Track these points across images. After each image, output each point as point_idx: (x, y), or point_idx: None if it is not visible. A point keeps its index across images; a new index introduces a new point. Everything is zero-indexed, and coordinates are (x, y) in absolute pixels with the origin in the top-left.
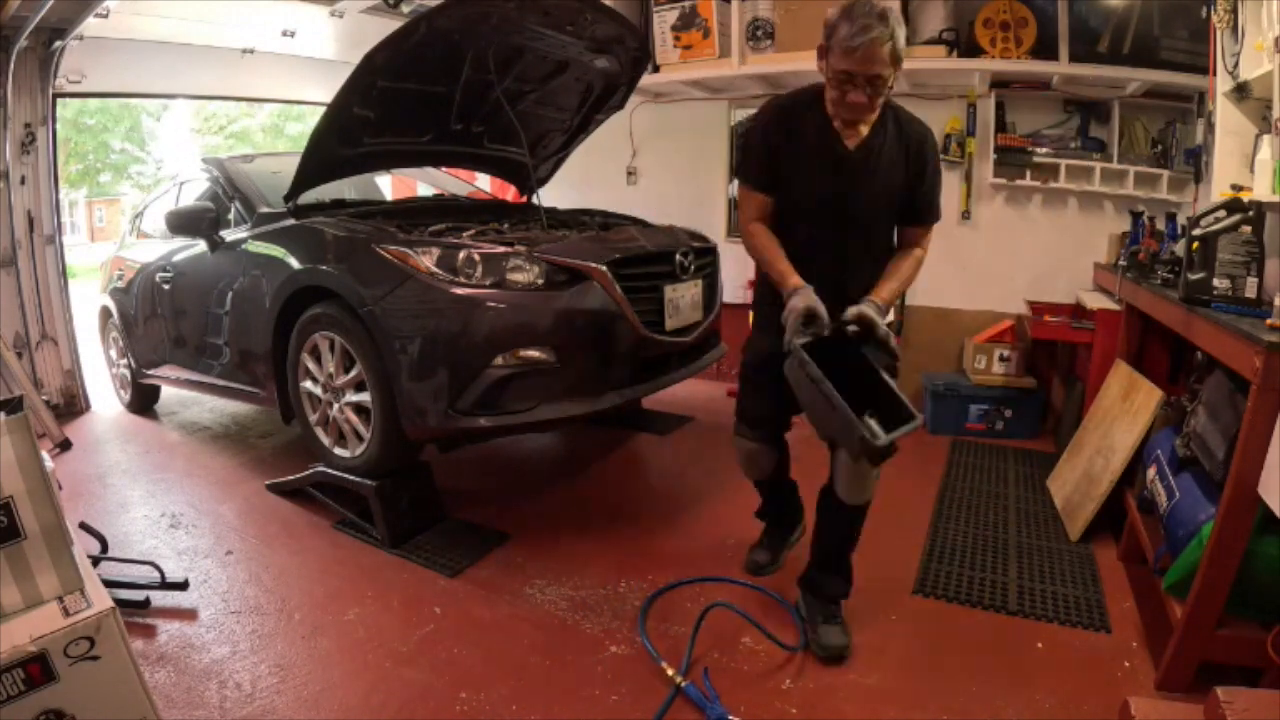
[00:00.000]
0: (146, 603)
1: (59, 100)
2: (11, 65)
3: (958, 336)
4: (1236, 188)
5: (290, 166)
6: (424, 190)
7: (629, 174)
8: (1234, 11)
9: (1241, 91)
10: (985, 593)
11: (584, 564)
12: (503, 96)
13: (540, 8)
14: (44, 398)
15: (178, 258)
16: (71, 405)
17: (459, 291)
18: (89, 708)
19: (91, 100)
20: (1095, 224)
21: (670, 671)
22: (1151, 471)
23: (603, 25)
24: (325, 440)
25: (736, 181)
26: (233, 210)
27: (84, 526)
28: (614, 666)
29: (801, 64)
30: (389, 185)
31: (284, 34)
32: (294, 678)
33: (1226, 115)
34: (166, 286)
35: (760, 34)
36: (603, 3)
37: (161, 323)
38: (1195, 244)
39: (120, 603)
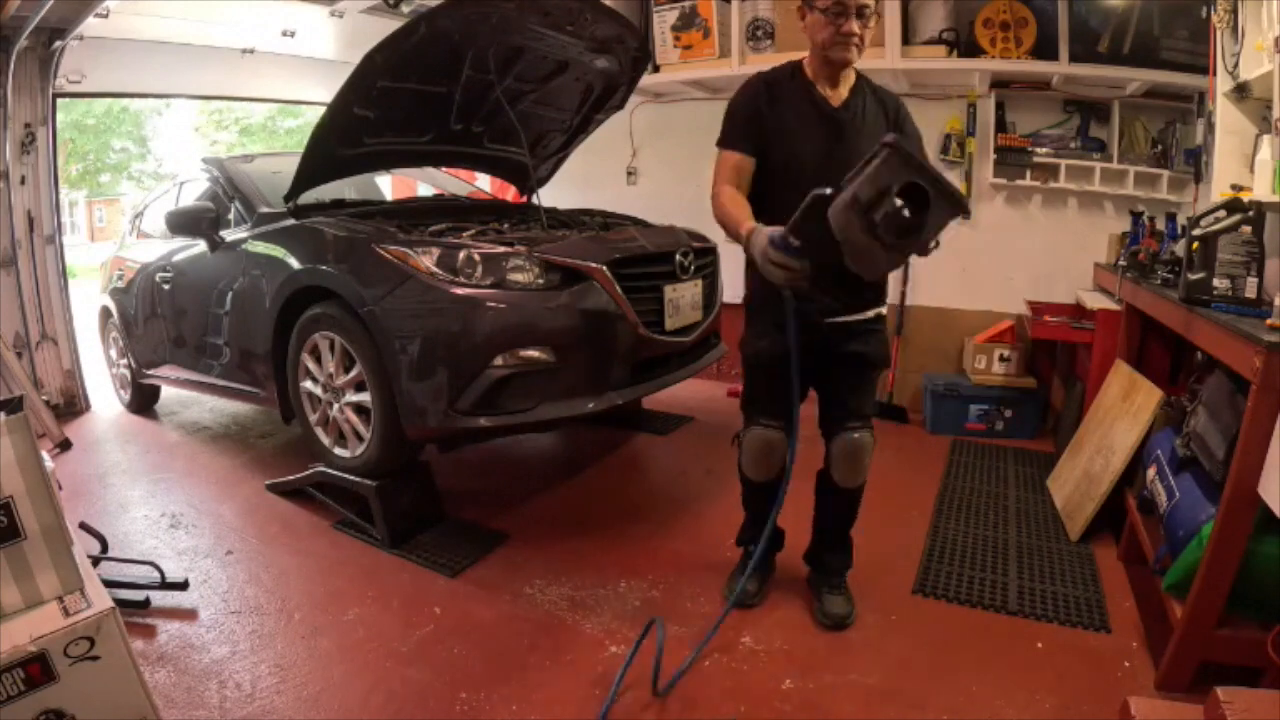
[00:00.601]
0: (146, 603)
1: (59, 100)
2: (11, 65)
3: (958, 336)
4: (1236, 188)
5: (290, 166)
6: (424, 190)
7: (629, 174)
8: (1234, 11)
9: (1241, 91)
10: (985, 593)
11: (584, 564)
12: (503, 96)
13: (540, 8)
14: (44, 398)
15: (178, 258)
16: (71, 405)
17: (459, 291)
18: (89, 708)
19: (94, 100)
20: (1095, 224)
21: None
22: (1151, 471)
23: (603, 25)
24: (325, 440)
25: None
26: (233, 210)
27: (84, 526)
28: (614, 666)
29: None
30: (389, 185)
31: (284, 34)
32: (294, 677)
33: (1226, 115)
34: (166, 286)
35: (760, 34)
36: (603, 3)
37: (161, 323)
38: (1195, 244)
39: (120, 603)
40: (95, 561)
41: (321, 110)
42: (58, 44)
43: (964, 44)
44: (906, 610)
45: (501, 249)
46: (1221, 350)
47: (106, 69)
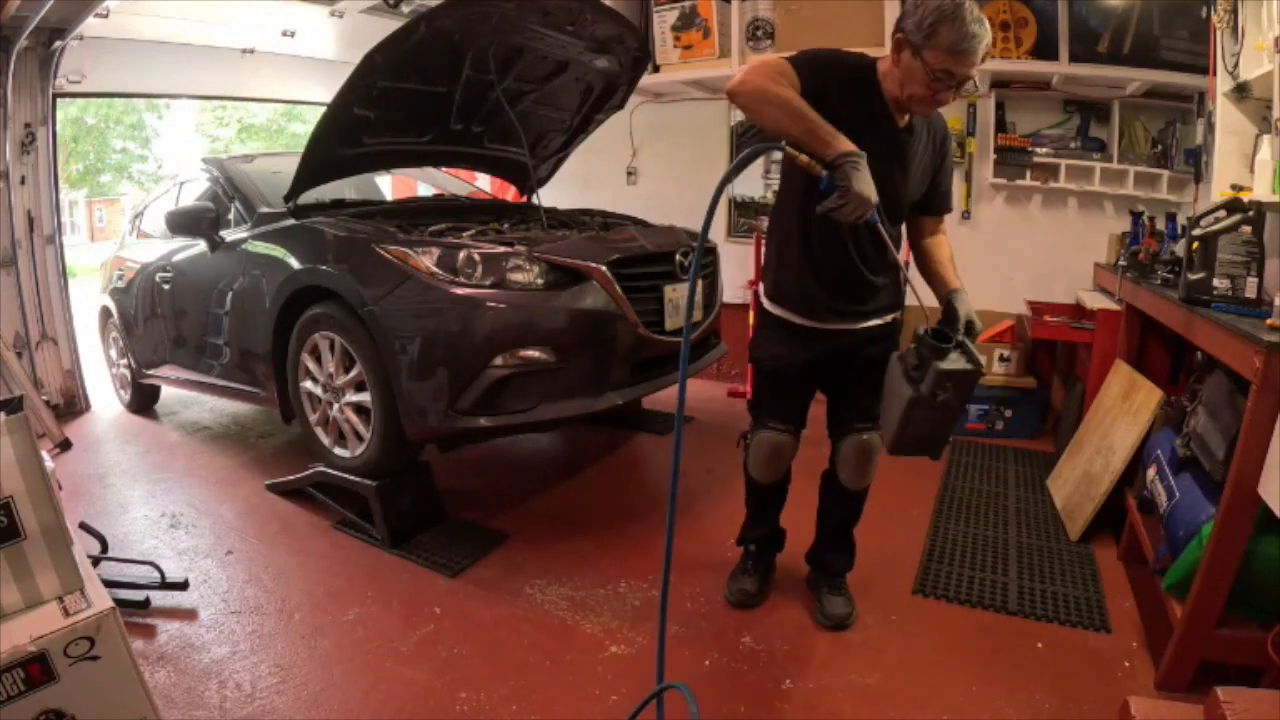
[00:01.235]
0: (146, 603)
1: (59, 100)
2: (11, 65)
3: None
4: (1236, 188)
5: (290, 166)
6: (424, 190)
7: (629, 174)
8: (1234, 11)
9: (1241, 91)
10: (985, 593)
11: (584, 564)
12: (503, 96)
13: (540, 8)
14: (44, 398)
15: (178, 258)
16: (71, 405)
17: (459, 291)
18: (89, 708)
19: (93, 100)
20: (1095, 224)
21: None
22: (1151, 471)
23: (603, 25)
24: (325, 440)
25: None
26: (233, 210)
27: (84, 526)
28: (614, 666)
29: None
30: (389, 185)
31: (284, 34)
32: (294, 677)
33: (1226, 115)
34: (166, 286)
35: (760, 34)
36: (603, 3)
37: (161, 323)
38: (1195, 244)
39: (120, 603)
40: (95, 561)
41: (321, 110)
42: (58, 44)
43: None
44: (906, 610)
45: (501, 249)
46: (1221, 350)
47: (106, 69)
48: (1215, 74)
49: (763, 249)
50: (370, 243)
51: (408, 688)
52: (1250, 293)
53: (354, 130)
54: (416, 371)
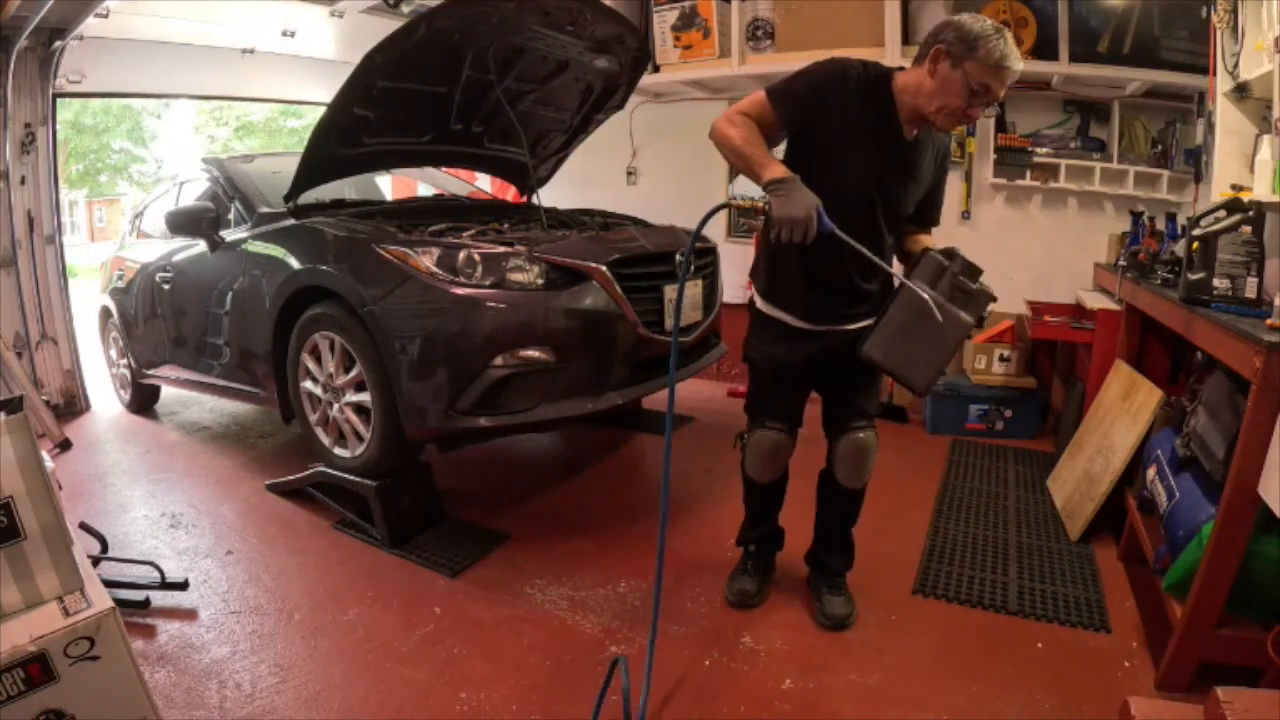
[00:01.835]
0: (146, 603)
1: (59, 100)
2: (11, 65)
3: None
4: (1236, 188)
5: (290, 166)
6: (424, 190)
7: (629, 174)
8: (1234, 11)
9: (1241, 91)
10: (985, 593)
11: (584, 564)
12: (503, 96)
13: (540, 8)
14: (44, 398)
15: (178, 258)
16: (71, 405)
17: (459, 291)
18: (89, 708)
19: (92, 100)
20: (1095, 224)
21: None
22: (1151, 471)
23: (603, 25)
24: (325, 440)
25: (762, 91)
26: (233, 210)
27: (84, 526)
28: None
29: (801, 64)
30: (389, 185)
31: (284, 34)
32: (294, 678)
33: (1226, 115)
34: (166, 286)
35: (760, 34)
36: (603, 3)
37: (161, 323)
38: (1195, 244)
39: (120, 603)
40: (95, 561)
41: (321, 110)
42: (58, 44)
43: None
44: (906, 610)
45: (501, 249)
46: (1221, 350)
47: (106, 69)
48: (1215, 74)
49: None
50: (370, 243)
51: (408, 688)
52: (1250, 293)
53: (354, 130)
54: (416, 371)
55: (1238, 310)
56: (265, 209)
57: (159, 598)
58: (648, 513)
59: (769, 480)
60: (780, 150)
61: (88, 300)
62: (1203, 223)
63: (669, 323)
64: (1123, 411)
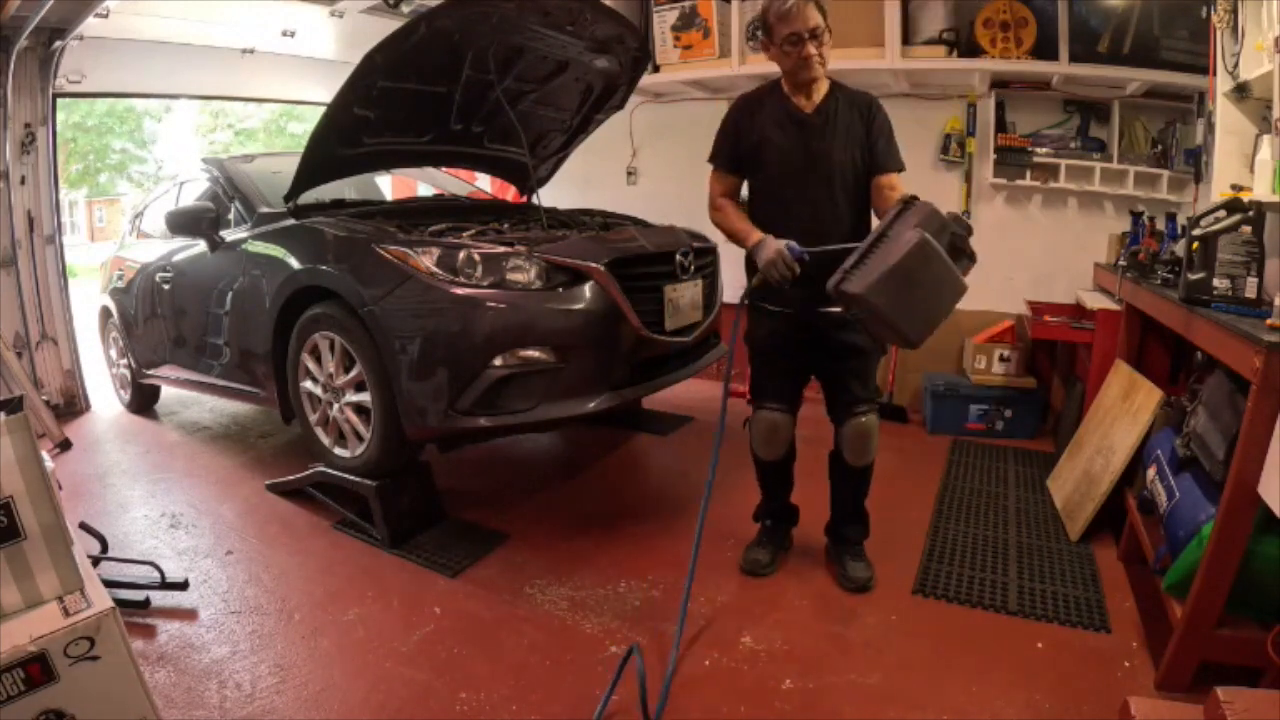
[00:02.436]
0: (146, 603)
1: (59, 100)
2: (11, 65)
3: (957, 336)
4: (1236, 188)
5: (290, 166)
6: (424, 190)
7: (629, 174)
8: (1234, 11)
9: (1241, 91)
10: (985, 593)
11: (584, 564)
12: (503, 96)
13: (540, 8)
14: (44, 398)
15: (178, 258)
16: (71, 405)
17: (459, 291)
18: (89, 708)
19: (94, 100)
20: (1095, 224)
21: None
22: (1151, 471)
23: (603, 25)
24: (325, 440)
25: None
26: (233, 210)
27: (84, 526)
28: (614, 666)
29: None
30: (389, 185)
31: (284, 34)
32: (294, 678)
33: (1226, 115)
34: (166, 286)
35: (760, 34)
36: (603, 3)
37: (161, 323)
38: (1195, 244)
39: (120, 603)
40: (95, 561)
41: (321, 110)
42: (58, 44)
43: (964, 44)
44: (906, 610)
45: (501, 249)
46: (1221, 350)
47: (106, 69)
48: (1215, 74)
49: None
50: (370, 243)
51: (408, 688)
52: (1250, 293)
53: (354, 130)
54: (416, 371)
55: (1238, 310)
56: (265, 209)
57: (159, 598)
58: (648, 513)
59: (775, 458)
60: None
61: (88, 300)
62: (1203, 223)
63: (669, 322)
64: (1123, 411)
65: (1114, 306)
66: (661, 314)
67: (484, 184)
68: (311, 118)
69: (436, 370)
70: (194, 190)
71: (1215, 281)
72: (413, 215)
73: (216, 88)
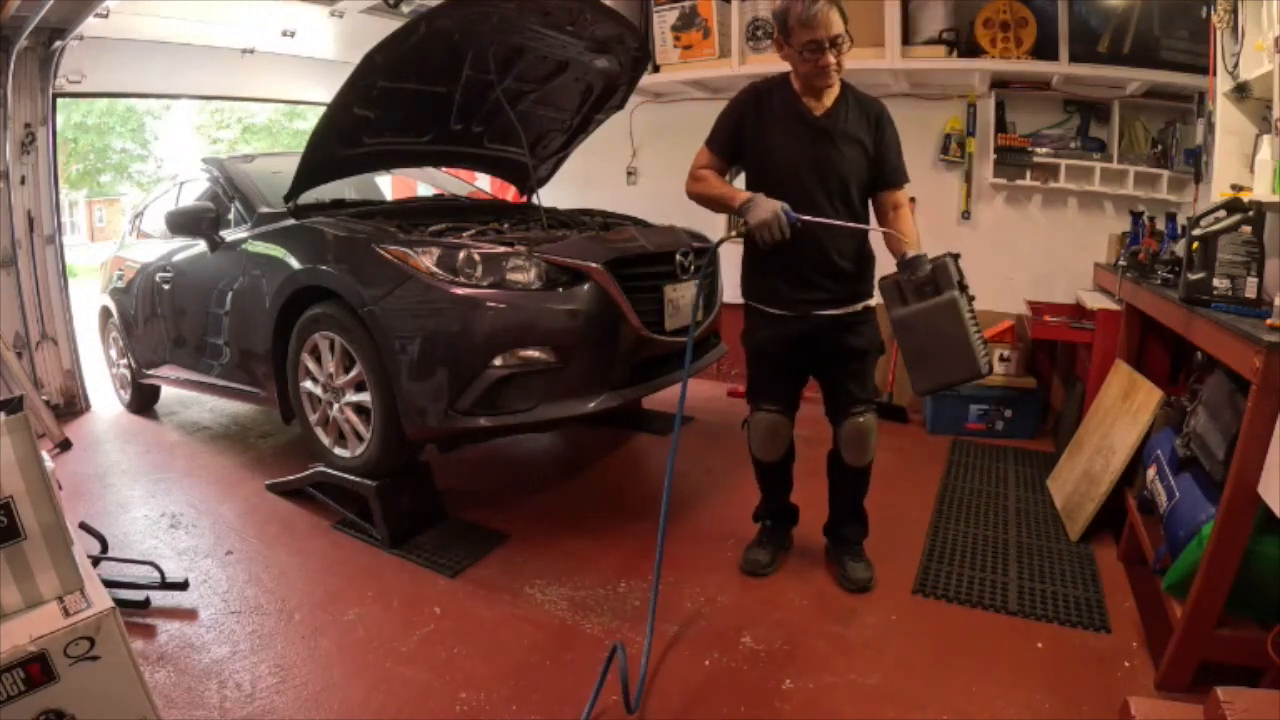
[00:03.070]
0: (146, 603)
1: (59, 100)
2: (11, 65)
3: None
4: (1236, 188)
5: (290, 166)
6: (424, 190)
7: (629, 174)
8: (1234, 11)
9: (1241, 91)
10: (985, 593)
11: (584, 564)
12: (503, 96)
13: (540, 8)
14: (44, 398)
15: (178, 258)
16: (71, 405)
17: (459, 291)
18: (89, 708)
19: (95, 100)
20: (1095, 224)
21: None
22: (1151, 471)
23: (603, 25)
24: (325, 440)
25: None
26: (233, 210)
27: (84, 526)
28: (614, 666)
29: None
30: (389, 185)
31: (284, 34)
32: (294, 678)
33: (1226, 115)
34: (166, 286)
35: (760, 34)
36: (603, 3)
37: (161, 323)
38: (1195, 244)
39: (120, 603)
40: (95, 561)
41: (321, 110)
42: (58, 44)
43: (964, 44)
44: (906, 610)
45: (501, 249)
46: (1221, 350)
47: (106, 69)
48: (1215, 74)
49: None
50: (370, 243)
51: (408, 688)
52: (1250, 293)
53: (354, 130)
54: (416, 371)
55: (1238, 310)
56: (265, 209)
57: (159, 598)
58: (648, 513)
59: (773, 459)
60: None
61: (88, 300)
62: (1203, 223)
63: (669, 322)
64: (1123, 411)
65: (1114, 306)
66: (661, 314)
67: (484, 184)
68: (313, 116)
69: (436, 370)
70: (194, 190)
71: (1215, 281)
72: (413, 215)
73: (216, 88)
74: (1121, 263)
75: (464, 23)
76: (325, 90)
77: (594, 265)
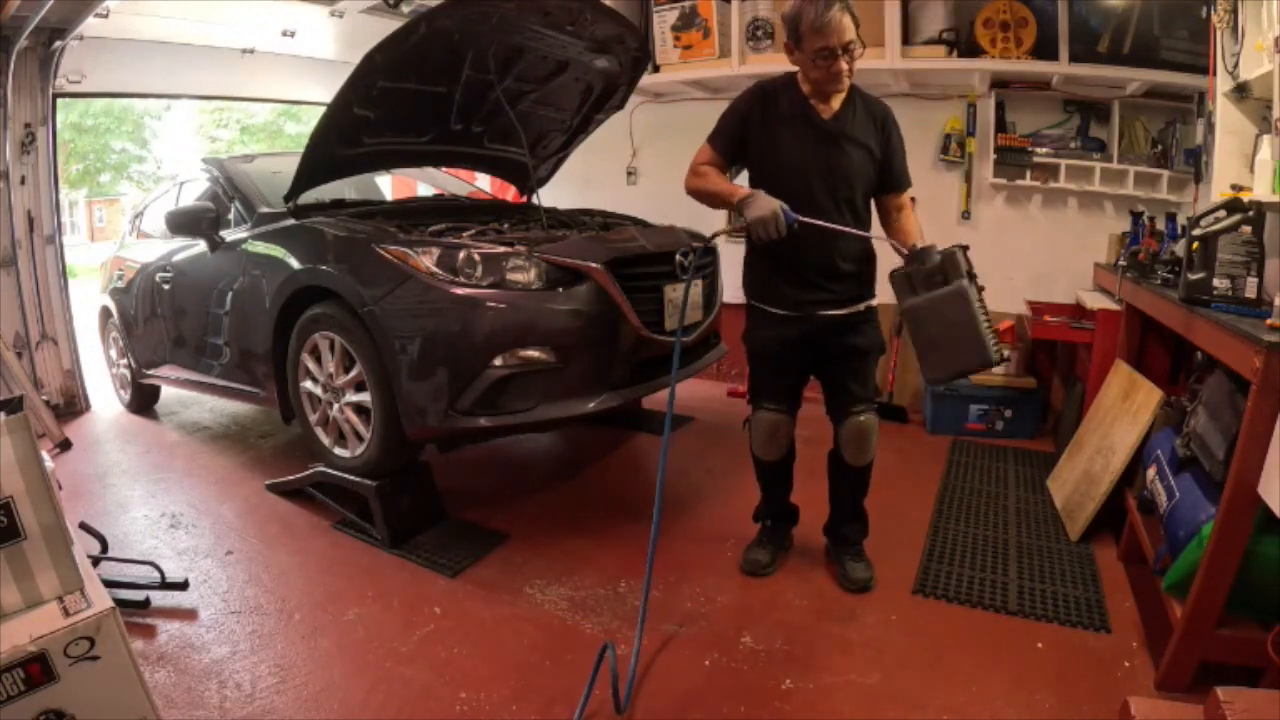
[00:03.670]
0: (146, 603)
1: (59, 100)
2: (11, 65)
3: None
4: (1236, 188)
5: (290, 166)
6: (424, 190)
7: (629, 174)
8: (1234, 11)
9: (1241, 91)
10: (985, 593)
11: (584, 564)
12: (503, 96)
13: (540, 8)
14: (44, 398)
15: (178, 258)
16: (71, 405)
17: (459, 291)
18: (89, 708)
19: (94, 101)
20: (1095, 224)
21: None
22: (1151, 471)
23: (603, 25)
24: (325, 440)
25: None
26: (233, 210)
27: (84, 526)
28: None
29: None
30: (389, 185)
31: (284, 34)
32: (294, 678)
33: (1226, 115)
34: (166, 286)
35: (760, 34)
36: (603, 3)
37: (161, 323)
38: (1195, 244)
39: (120, 603)
40: (95, 561)
41: (321, 110)
42: (58, 44)
43: (964, 44)
44: (906, 610)
45: (501, 249)
46: (1221, 350)
47: (106, 69)
48: (1215, 74)
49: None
50: (370, 243)
51: (408, 688)
52: (1250, 293)
53: (354, 130)
54: (416, 371)
55: (1238, 310)
56: (265, 209)
57: (159, 598)
58: (648, 513)
59: (774, 458)
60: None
61: (88, 300)
62: (1203, 223)
63: (669, 322)
64: (1123, 411)
65: (1114, 306)
66: (661, 314)
67: (484, 184)
68: (310, 117)
69: (436, 370)
70: (194, 190)
71: (1215, 281)
72: (413, 215)
73: (216, 88)
74: (1121, 263)
75: (464, 23)
76: (325, 90)
77: (594, 265)
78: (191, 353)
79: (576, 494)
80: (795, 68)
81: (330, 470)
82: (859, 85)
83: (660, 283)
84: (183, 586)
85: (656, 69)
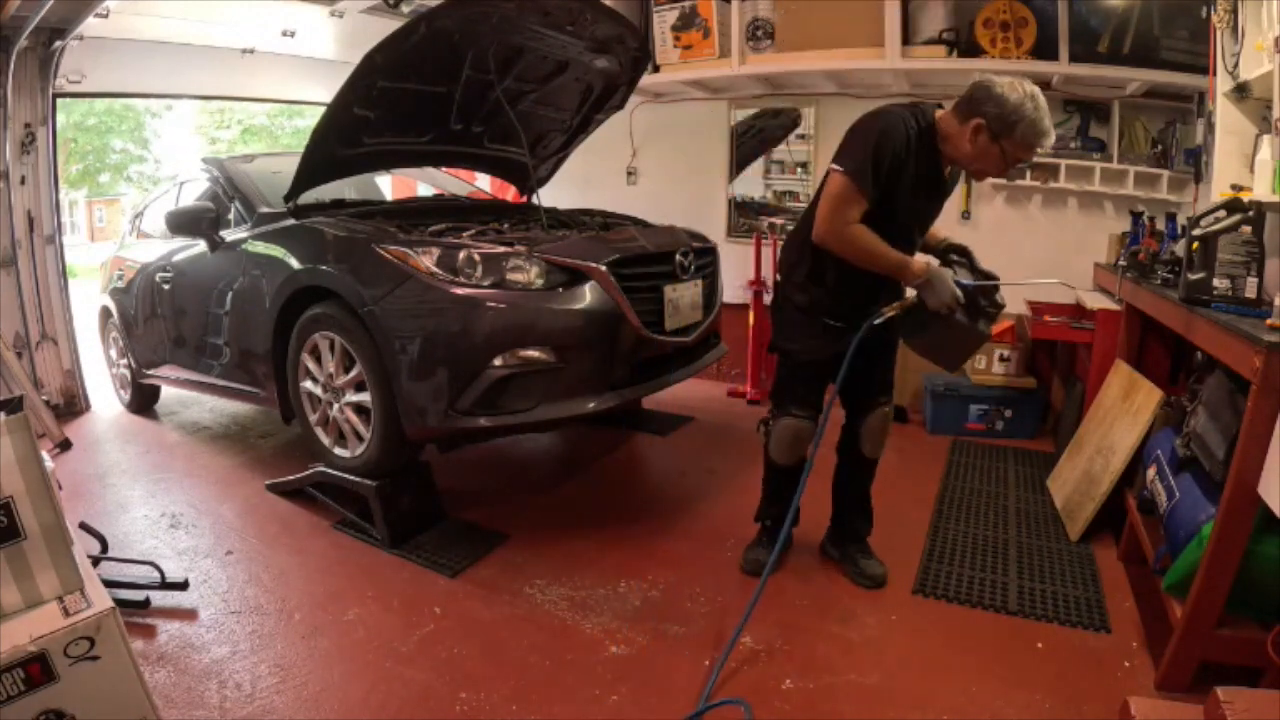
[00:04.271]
0: (146, 603)
1: (59, 100)
2: (11, 65)
3: None
4: (1236, 188)
5: (290, 166)
6: (424, 190)
7: (629, 174)
8: (1234, 11)
9: (1241, 91)
10: (985, 593)
11: (584, 564)
12: (503, 96)
13: (540, 8)
14: (44, 398)
15: (178, 258)
16: (71, 405)
17: (459, 291)
18: (89, 708)
19: (96, 100)
20: (1095, 224)
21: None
22: (1151, 471)
23: (603, 25)
24: (325, 440)
25: (841, 173)
26: (233, 210)
27: (84, 526)
28: (614, 666)
29: (801, 64)
30: (389, 185)
31: (284, 34)
32: (294, 678)
33: (1226, 115)
34: (166, 286)
35: (760, 34)
36: (603, 3)
37: (161, 323)
38: (1195, 244)
39: (120, 603)
40: (95, 561)
41: (321, 110)
42: (58, 44)
43: (964, 44)
44: (906, 610)
45: (501, 249)
46: (1221, 350)
47: (106, 69)
48: (1215, 74)
49: (775, 251)
50: (370, 243)
51: (408, 688)
52: (1250, 293)
53: (354, 130)
54: (416, 371)
55: (1238, 310)
56: (265, 209)
57: (159, 598)
58: (648, 513)
59: (791, 464)
60: None
61: (88, 300)
62: (1203, 223)
63: (669, 322)
64: (1123, 411)
65: (1114, 306)
66: (661, 314)
67: (484, 184)
68: (310, 117)
69: (436, 370)
70: (194, 190)
71: (1215, 281)
72: (413, 215)
73: (216, 88)
74: (1121, 263)
75: (464, 23)
76: (325, 90)
77: (594, 265)
78: (191, 353)
79: (576, 494)
80: (942, 114)
81: (330, 470)
82: (854, 88)
83: (660, 283)
84: (183, 586)
85: (656, 69)
